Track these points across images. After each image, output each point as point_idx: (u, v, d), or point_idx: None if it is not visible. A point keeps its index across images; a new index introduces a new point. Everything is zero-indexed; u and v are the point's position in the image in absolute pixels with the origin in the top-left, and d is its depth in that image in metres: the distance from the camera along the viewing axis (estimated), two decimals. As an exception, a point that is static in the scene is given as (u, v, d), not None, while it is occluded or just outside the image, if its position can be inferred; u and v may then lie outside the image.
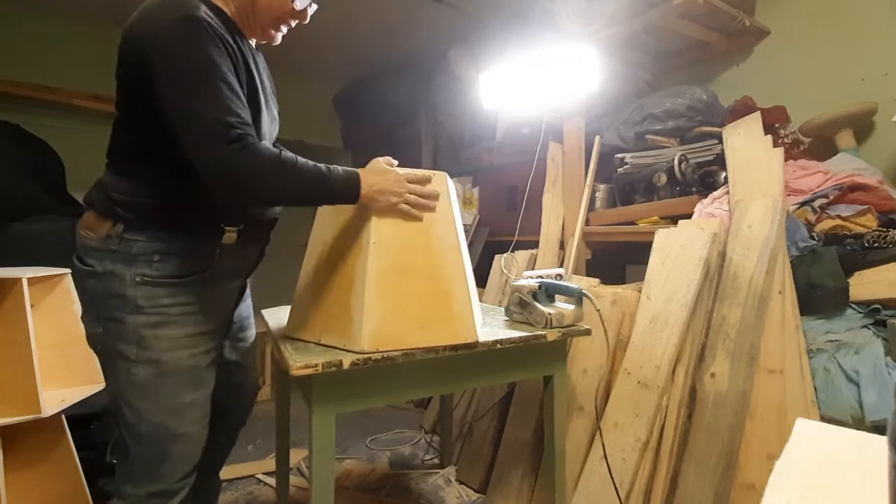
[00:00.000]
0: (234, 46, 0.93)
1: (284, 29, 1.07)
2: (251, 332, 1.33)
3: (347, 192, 1.01)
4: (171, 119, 0.87)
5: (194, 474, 1.03)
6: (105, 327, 0.96)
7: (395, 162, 1.13)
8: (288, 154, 0.94)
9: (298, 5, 1.01)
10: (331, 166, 1.00)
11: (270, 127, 1.12)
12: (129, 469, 0.99)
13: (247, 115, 0.91)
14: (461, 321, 1.08)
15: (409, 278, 1.05)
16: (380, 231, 1.05)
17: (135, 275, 0.94)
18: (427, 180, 1.10)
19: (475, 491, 1.84)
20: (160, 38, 0.85)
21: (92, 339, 1.00)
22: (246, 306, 1.32)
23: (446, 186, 1.13)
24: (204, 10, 0.88)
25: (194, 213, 0.98)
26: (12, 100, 2.73)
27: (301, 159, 0.96)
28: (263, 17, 1.01)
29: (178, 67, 0.85)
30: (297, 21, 1.06)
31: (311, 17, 1.10)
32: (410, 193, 1.06)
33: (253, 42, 1.08)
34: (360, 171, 1.04)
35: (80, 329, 1.32)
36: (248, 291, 1.34)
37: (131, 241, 0.94)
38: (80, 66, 2.95)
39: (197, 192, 0.94)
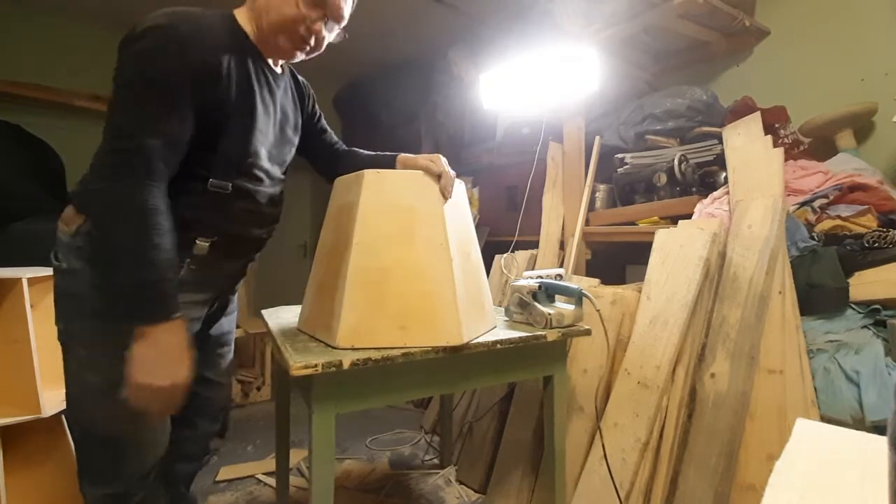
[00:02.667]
0: (216, 61, 0.91)
1: (302, 46, 1.02)
2: (229, 349, 1.28)
3: (135, 303, 0.83)
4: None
5: (151, 476, 1.00)
6: (64, 325, 0.93)
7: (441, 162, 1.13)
8: (149, 204, 0.82)
9: (288, 11, 0.96)
10: (164, 275, 0.84)
11: (274, 148, 1.10)
12: (86, 467, 0.97)
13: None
14: (444, 322, 1.06)
15: (390, 277, 1.05)
16: (363, 230, 1.05)
17: (95, 275, 0.90)
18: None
19: (475, 491, 1.84)
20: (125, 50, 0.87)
21: (58, 335, 0.96)
22: (228, 321, 1.26)
23: (436, 187, 1.12)
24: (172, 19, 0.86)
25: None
26: (12, 100, 2.73)
27: (153, 233, 0.82)
28: (273, 32, 0.98)
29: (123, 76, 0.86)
30: (312, 40, 1.01)
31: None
32: (152, 398, 0.85)
33: (278, 68, 1.09)
34: (163, 328, 0.83)
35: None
36: (233, 307, 1.28)
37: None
38: (80, 66, 2.95)
39: (175, 200, 0.90)
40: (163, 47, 0.84)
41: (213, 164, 0.95)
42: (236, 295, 1.29)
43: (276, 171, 1.11)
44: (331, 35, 1.05)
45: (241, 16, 1.00)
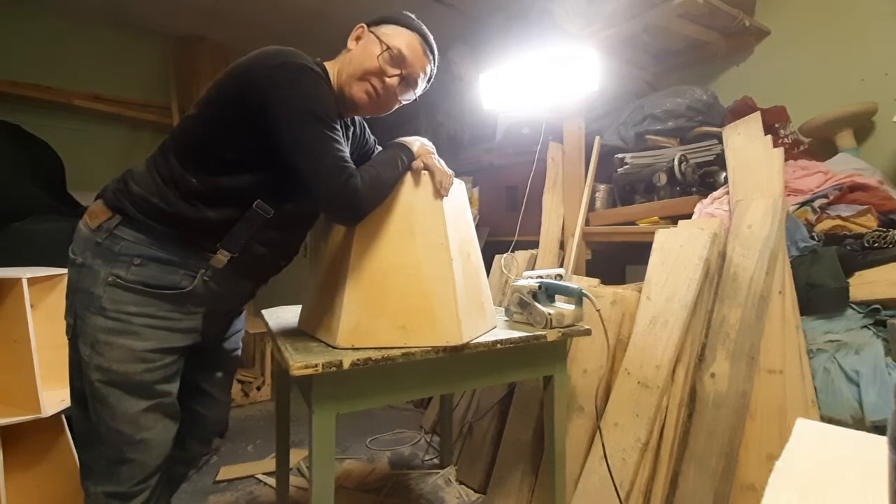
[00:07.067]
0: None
1: (372, 95, 1.05)
2: (233, 366, 1.28)
3: (409, 160, 1.11)
4: (289, 152, 0.93)
5: (156, 476, 1.01)
6: (73, 320, 0.96)
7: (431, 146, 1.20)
8: (372, 172, 1.02)
9: (369, 64, 1.02)
10: (390, 152, 1.10)
11: None
12: (90, 465, 0.99)
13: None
14: (443, 323, 1.06)
15: (390, 277, 1.05)
16: (363, 230, 1.06)
17: (109, 274, 0.92)
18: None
19: (475, 491, 1.84)
20: (282, 78, 0.91)
21: (66, 329, 0.99)
22: (234, 339, 1.27)
23: (431, 185, 1.12)
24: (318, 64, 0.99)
25: (199, 229, 0.97)
26: (12, 100, 2.73)
27: (378, 166, 1.05)
28: (349, 81, 1.04)
29: (303, 109, 0.91)
30: (382, 92, 1.05)
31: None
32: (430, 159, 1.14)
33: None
34: (400, 140, 1.14)
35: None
36: (241, 324, 1.28)
37: (119, 238, 0.94)
38: (80, 66, 2.94)
39: (217, 206, 0.96)
40: (325, 85, 0.98)
41: (269, 187, 0.99)
42: (244, 314, 1.28)
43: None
44: (401, 97, 1.11)
45: (329, 66, 1.06)
